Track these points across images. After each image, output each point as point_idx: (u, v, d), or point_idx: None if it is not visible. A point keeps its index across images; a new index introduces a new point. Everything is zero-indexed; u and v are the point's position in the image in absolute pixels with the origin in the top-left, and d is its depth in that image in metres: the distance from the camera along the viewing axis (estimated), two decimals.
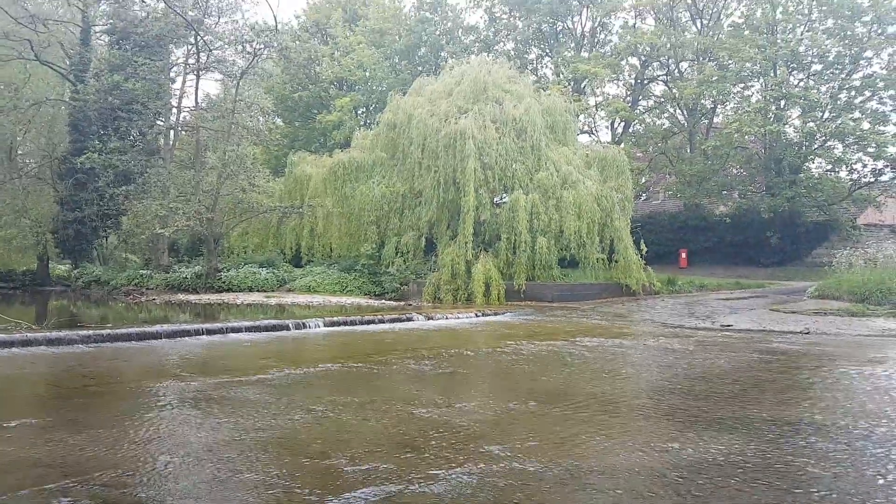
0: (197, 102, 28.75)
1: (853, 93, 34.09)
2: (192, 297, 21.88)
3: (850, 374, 9.02)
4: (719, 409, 6.90)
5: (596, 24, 40.78)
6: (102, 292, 25.03)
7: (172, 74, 31.23)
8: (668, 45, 36.60)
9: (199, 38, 26.57)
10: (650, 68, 40.82)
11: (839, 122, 32.40)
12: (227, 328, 12.63)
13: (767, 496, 4.35)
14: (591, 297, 22.41)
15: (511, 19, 40.98)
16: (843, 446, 5.51)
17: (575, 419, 6.44)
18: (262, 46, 26.20)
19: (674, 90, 38.18)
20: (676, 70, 40.33)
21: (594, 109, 39.16)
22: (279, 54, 28.48)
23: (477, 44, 40.66)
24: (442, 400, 7.35)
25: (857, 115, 33.70)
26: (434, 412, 6.65)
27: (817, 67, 34.94)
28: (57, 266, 31.22)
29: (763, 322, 15.84)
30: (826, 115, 34.03)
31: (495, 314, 17.56)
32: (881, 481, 4.67)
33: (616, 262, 23.42)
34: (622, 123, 40.61)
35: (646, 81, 41.46)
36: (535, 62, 42.51)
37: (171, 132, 30.41)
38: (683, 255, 35.38)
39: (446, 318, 16.17)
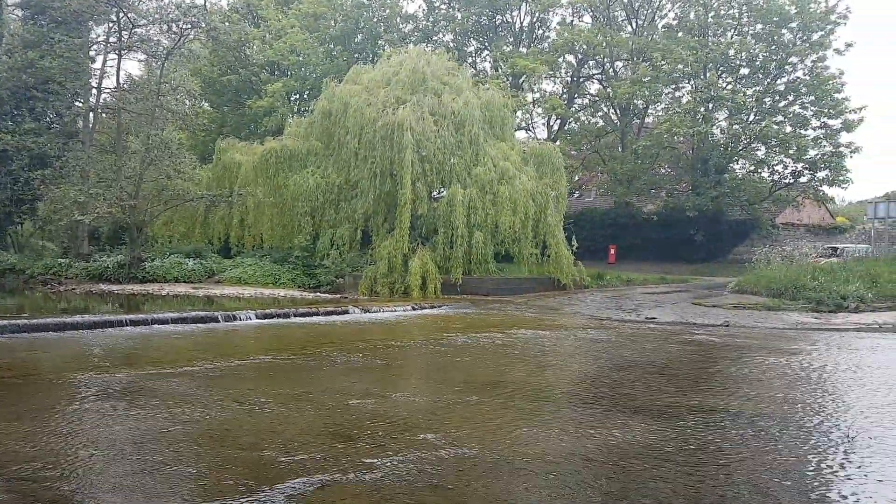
0: (119, 83, 27.39)
1: (777, 97, 35.68)
2: (115, 288, 20.97)
3: (767, 365, 9.52)
4: (645, 397, 7.17)
5: (534, 20, 41.23)
6: (18, 281, 23.64)
7: (92, 53, 29.55)
8: (604, 44, 37.42)
9: (121, 15, 25.30)
10: (586, 66, 41.64)
11: (763, 124, 33.89)
12: (152, 319, 12.18)
13: (691, 477, 4.56)
14: (525, 290, 22.79)
15: (450, 10, 40.93)
16: (763, 431, 5.82)
17: (508, 407, 6.56)
18: (189, 26, 25.16)
19: (608, 89, 39.11)
20: (611, 69, 41.31)
21: (531, 106, 39.66)
22: (207, 35, 27.44)
23: (416, 33, 40.38)
24: (377, 391, 7.34)
25: (780, 118, 35.36)
26: (369, 403, 6.63)
27: (745, 71, 36.43)
28: None
29: (686, 315, 16.51)
30: (751, 117, 35.57)
31: (432, 307, 17.63)
32: (794, 462, 4.96)
33: (549, 257, 23.84)
34: (558, 121, 41.31)
35: (582, 80, 42.29)
36: (473, 55, 42.60)
37: (91, 114, 28.88)
38: (612, 251, 36.43)
39: (382, 312, 16.12)
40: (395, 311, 16.44)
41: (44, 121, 27.03)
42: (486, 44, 41.99)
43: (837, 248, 30.84)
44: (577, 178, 42.64)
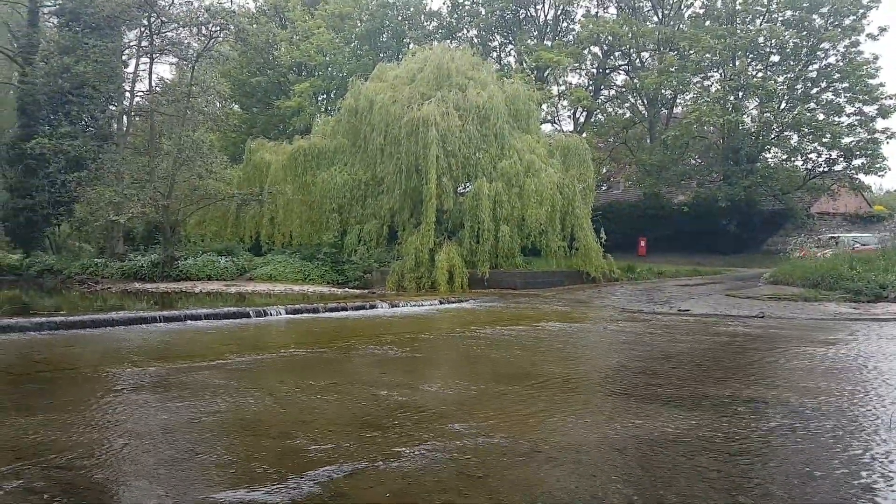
0: (151, 86, 27.95)
1: (809, 84, 34.88)
2: (149, 286, 21.35)
3: (804, 355, 9.28)
4: (678, 388, 7.04)
5: (558, 13, 40.99)
6: (56, 281, 24.25)
7: (125, 57, 30.31)
8: (630, 35, 36.97)
9: (152, 18, 25.79)
10: (612, 58, 41.22)
11: (795, 112, 33.18)
12: (185, 315, 12.36)
13: (727, 468, 4.46)
14: (553, 284, 22.64)
15: (474, 6, 40.89)
16: (800, 420, 5.68)
17: (537, 398, 6.50)
18: (218, 28, 25.58)
19: (635, 80, 38.64)
20: (638, 60, 40.82)
21: (557, 98, 39.41)
22: (236, 37, 27.88)
23: (440, 30, 40.45)
24: (405, 382, 7.34)
25: (812, 105, 34.56)
26: (398, 394, 6.64)
27: (775, 58, 35.67)
28: (8, 255, 30.11)
29: (719, 307, 16.21)
30: (783, 105, 34.83)
31: (459, 301, 17.59)
32: (836, 452, 4.83)
33: (577, 249, 23.66)
34: (584, 113, 40.99)
35: (607, 71, 41.88)
36: (498, 50, 42.53)
37: (125, 117, 29.58)
38: (643, 243, 36.00)
39: (410, 306, 16.14)
40: (423, 305, 16.45)
41: (79, 124, 27.73)
42: (511, 38, 41.82)
43: (839, 239, 29.05)
44: (604, 170, 42.24)
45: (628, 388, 7.07)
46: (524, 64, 38.22)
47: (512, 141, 23.17)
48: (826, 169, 35.86)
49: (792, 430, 5.40)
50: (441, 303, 16.98)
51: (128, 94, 29.08)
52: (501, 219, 21.67)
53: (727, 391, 6.83)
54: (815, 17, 34.02)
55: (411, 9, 39.49)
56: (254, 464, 4.42)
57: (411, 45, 34.27)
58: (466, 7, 41.21)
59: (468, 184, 23.04)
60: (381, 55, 36.45)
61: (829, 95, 34.65)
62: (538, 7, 40.89)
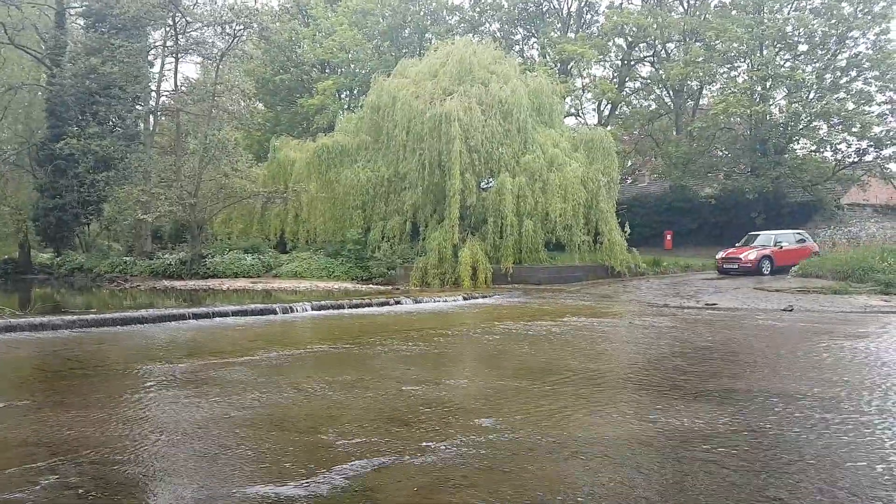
0: (176, 86, 28.38)
1: (839, 73, 34.12)
2: (177, 284, 21.71)
3: (833, 349, 9.14)
4: (705, 382, 6.97)
5: (582, 4, 40.56)
6: (86, 280, 24.77)
7: (151, 57, 30.70)
8: (655, 26, 36.44)
9: (177, 18, 26.08)
10: (637, 49, 40.67)
11: (824, 102, 32.47)
12: (213, 312, 12.55)
13: (755, 463, 4.41)
14: (578, 279, 22.50)
15: None
16: (831, 415, 5.59)
17: (563, 393, 6.49)
18: (242, 27, 25.80)
19: (660, 71, 38.12)
20: (663, 51, 40.25)
21: (581, 91, 39.03)
22: (259, 35, 28.08)
23: (462, 24, 40.24)
24: (431, 378, 7.37)
25: (842, 95, 33.82)
26: (423, 389, 6.67)
27: (803, 47, 34.93)
28: (39, 254, 30.83)
29: (747, 300, 16.01)
30: (811, 95, 34.12)
31: (483, 297, 17.58)
32: (868, 447, 4.74)
33: (601, 244, 23.45)
34: (609, 105, 40.54)
35: (632, 63, 41.36)
36: (520, 43, 42.21)
37: (151, 117, 29.98)
38: (669, 236, 35.55)
39: (434, 302, 16.18)
40: (447, 301, 16.47)
41: (107, 125, 28.13)
42: (534, 31, 41.49)
43: (757, 237, 25.70)
44: (629, 164, 41.78)
45: (654, 383, 7.01)
46: (547, 57, 37.92)
47: (535, 135, 23.03)
48: (856, 159, 35.07)
49: (820, 424, 5.32)
50: (465, 298, 16.99)
51: (154, 94, 29.47)
52: (525, 214, 21.57)
53: (754, 386, 6.75)
54: (844, 4, 33.22)
55: (433, 4, 39.34)
56: (283, 458, 4.47)
57: (433, 41, 34.19)
58: (488, 0, 40.98)
59: (490, 179, 22.96)
60: (404, 51, 36.41)
61: (859, 84, 33.84)
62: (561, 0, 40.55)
